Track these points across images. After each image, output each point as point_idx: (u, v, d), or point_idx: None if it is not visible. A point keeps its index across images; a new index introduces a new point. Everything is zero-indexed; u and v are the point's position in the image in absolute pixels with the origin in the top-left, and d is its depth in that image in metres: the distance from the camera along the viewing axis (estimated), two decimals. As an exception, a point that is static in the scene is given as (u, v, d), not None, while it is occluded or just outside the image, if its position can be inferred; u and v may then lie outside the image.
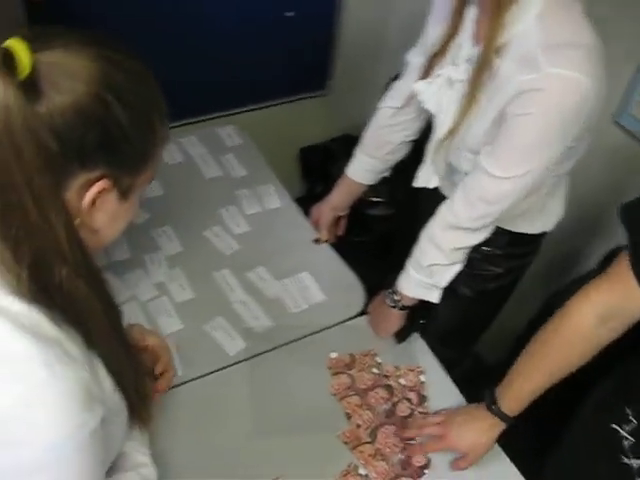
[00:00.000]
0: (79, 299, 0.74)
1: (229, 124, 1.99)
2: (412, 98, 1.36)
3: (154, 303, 1.50)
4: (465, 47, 1.19)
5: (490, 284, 1.46)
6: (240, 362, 1.42)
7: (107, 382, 0.82)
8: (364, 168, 1.58)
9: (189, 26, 1.94)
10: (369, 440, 1.29)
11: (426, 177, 1.36)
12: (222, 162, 1.87)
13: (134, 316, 1.47)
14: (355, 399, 1.35)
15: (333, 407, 1.36)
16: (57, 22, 0.71)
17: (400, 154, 1.53)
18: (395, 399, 1.36)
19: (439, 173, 1.35)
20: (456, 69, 1.21)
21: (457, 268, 1.32)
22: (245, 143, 1.95)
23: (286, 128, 2.26)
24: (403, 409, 1.34)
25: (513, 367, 1.18)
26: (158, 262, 1.60)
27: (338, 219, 1.70)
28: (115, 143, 0.71)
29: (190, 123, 1.98)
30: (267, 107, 2.19)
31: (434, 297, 1.36)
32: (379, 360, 1.43)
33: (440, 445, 1.25)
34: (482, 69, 1.13)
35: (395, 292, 1.40)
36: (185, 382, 1.36)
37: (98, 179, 0.72)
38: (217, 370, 1.40)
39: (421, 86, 1.27)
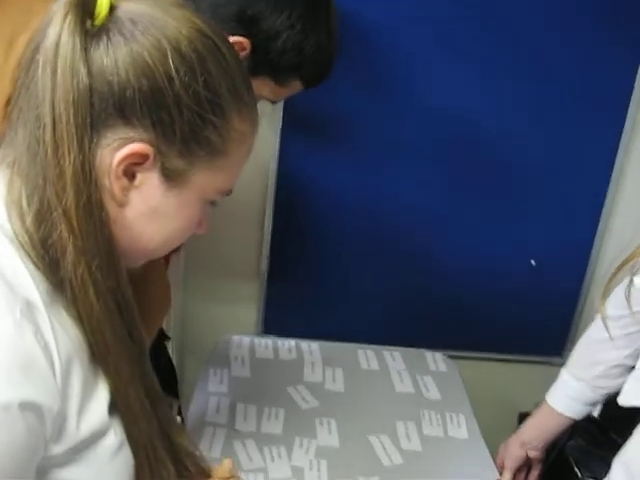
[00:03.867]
0: (83, 290, 0.63)
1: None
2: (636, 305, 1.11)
3: (281, 484, 1.30)
4: None
5: None
6: None
7: (99, 409, 0.65)
8: (567, 393, 1.28)
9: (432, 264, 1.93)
10: None
11: (636, 391, 1.03)
12: (417, 381, 1.69)
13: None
14: None
15: None
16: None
17: (615, 381, 1.22)
18: None
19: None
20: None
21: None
22: (449, 371, 1.76)
23: (506, 387, 2.01)
24: None
25: None
26: (307, 448, 1.41)
27: (530, 463, 1.37)
28: (165, 104, 0.62)
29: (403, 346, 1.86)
30: (487, 360, 2.00)
31: None
32: None
33: None
34: None
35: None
36: None
37: (139, 141, 0.63)
38: None
39: (643, 280, 1.03)
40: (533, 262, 1.94)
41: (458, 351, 1.94)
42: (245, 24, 1.03)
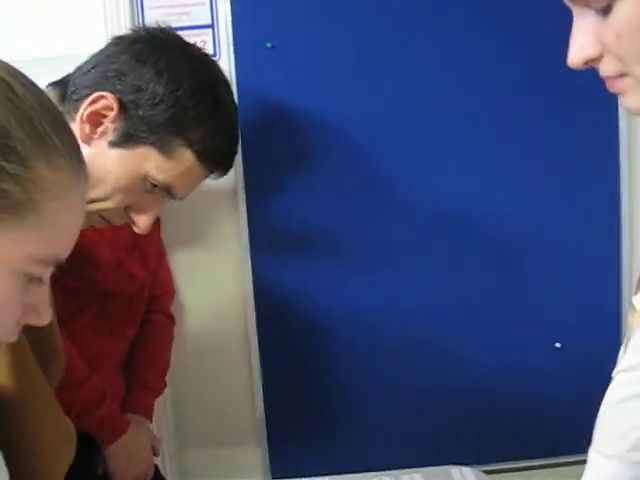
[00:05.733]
0: None
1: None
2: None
3: None
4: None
5: None
6: None
7: None
8: (599, 478, 1.04)
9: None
10: None
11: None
12: (442, 501, 1.45)
13: None
14: None
15: None
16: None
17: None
18: None
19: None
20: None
21: None
22: (481, 486, 1.51)
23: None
24: None
25: None
26: None
27: None
28: None
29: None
30: (525, 469, 1.76)
31: None
32: None
33: None
34: None
35: None
36: None
37: None
38: None
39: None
40: (558, 345, 1.76)
41: (490, 464, 1.70)
42: (112, 80, 1.01)
